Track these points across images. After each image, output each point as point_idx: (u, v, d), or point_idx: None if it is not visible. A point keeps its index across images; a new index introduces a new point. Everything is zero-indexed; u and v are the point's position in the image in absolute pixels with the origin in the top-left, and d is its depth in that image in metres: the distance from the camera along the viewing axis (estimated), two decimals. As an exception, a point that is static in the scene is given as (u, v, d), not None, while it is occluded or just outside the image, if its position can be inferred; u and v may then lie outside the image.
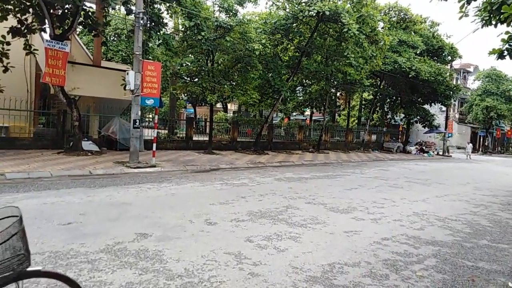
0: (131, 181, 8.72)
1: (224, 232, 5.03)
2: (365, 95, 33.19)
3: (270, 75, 18.67)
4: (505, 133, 49.68)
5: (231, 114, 36.27)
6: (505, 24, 10.05)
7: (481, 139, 45.80)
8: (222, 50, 16.60)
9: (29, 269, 1.89)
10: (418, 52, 28.01)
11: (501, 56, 10.73)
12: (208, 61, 17.36)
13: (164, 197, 7.12)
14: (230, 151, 19.26)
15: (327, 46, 20.60)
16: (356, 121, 35.61)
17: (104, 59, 19.46)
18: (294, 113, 39.06)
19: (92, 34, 13.54)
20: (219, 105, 37.97)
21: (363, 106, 34.62)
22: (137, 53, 11.28)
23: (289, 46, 20.91)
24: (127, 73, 11.16)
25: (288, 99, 24.89)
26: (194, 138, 19.09)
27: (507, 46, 10.58)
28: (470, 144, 34.46)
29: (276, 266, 3.89)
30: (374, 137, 34.80)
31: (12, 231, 1.78)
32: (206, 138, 18.56)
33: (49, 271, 2.16)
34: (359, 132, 31.72)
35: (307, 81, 25.56)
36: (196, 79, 18.03)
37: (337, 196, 8.43)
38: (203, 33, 14.13)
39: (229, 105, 42.37)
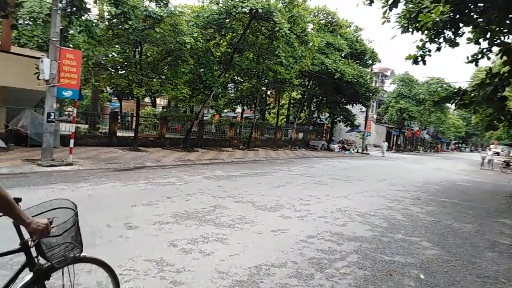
0: (42, 182, 7.83)
1: (146, 236, 4.69)
2: (294, 94, 34.27)
3: (202, 70, 18.26)
4: (415, 133, 55.13)
5: (160, 109, 34.96)
6: (420, 31, 10.95)
7: (395, 138, 50.18)
8: (151, 42, 15.78)
9: (82, 255, 2.21)
10: (343, 55, 29.64)
11: (415, 61, 11.55)
12: (136, 52, 16.41)
13: (80, 198, 6.48)
14: (157, 148, 18.48)
15: (259, 44, 20.77)
16: (285, 119, 36.66)
17: (16, 45, 17.37)
18: (226, 110, 38.95)
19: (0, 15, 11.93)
20: (147, 99, 36.35)
21: (291, 105, 35.74)
22: (54, 39, 10.16)
23: (221, 41, 20.67)
24: (41, 61, 9.99)
25: (220, 95, 24.65)
26: (119, 134, 17.95)
27: (421, 52, 11.51)
28: (386, 143, 37.51)
29: (201, 272, 3.70)
30: (301, 135, 36.13)
31: (73, 222, 2.07)
32: (132, 134, 17.57)
33: (95, 258, 2.42)
34: (288, 130, 32.69)
35: (239, 78, 25.57)
36: (123, 71, 16.93)
37: (266, 193, 8.47)
38: (130, 22, 13.26)
39: (158, 100, 40.80)
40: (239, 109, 37.55)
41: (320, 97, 33.51)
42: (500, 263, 4.82)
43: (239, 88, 26.97)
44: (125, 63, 16.14)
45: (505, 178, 19.52)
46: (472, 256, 5.03)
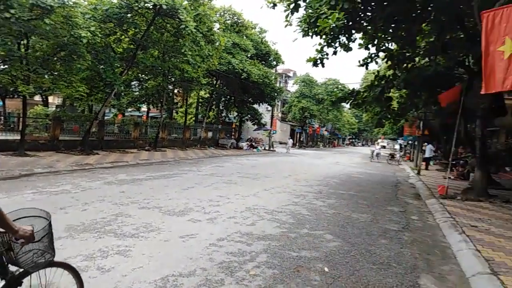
0: None
1: (32, 257, 4.06)
2: (202, 93, 33.96)
3: (102, 67, 16.85)
4: (315, 130, 59.21)
5: (54, 109, 31.41)
6: (319, 36, 11.61)
7: (298, 135, 53.26)
8: (40, 34, 13.95)
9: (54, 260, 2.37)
10: (249, 55, 30.28)
11: (315, 64, 12.23)
12: (21, 45, 14.37)
13: None
14: (50, 151, 16.52)
15: (165, 41, 19.98)
16: (194, 118, 36.12)
17: None
18: (130, 109, 36.78)
19: None
20: (37, 97, 32.37)
21: (200, 104, 35.35)
22: None
23: (123, 37, 19.36)
24: None
25: (123, 94, 23.13)
26: (1, 137, 15.63)
27: (320, 55, 12.25)
28: (290, 140, 39.55)
29: (99, 292, 3.32)
30: (210, 134, 35.97)
31: (48, 229, 2.26)
32: (18, 137, 15.39)
33: (62, 262, 2.57)
34: (197, 129, 32.26)
35: (143, 76, 24.30)
36: (5, 66, 14.67)
37: (174, 197, 8.13)
38: (12, 11, 11.52)
39: (50, 99, 36.64)
40: (144, 108, 35.84)
41: (228, 97, 33.80)
42: (391, 248, 5.33)
43: (144, 86, 25.64)
44: (7, 57, 14.01)
45: (390, 169, 22.09)
46: (368, 244, 5.47)
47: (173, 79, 24.20)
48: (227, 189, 9.83)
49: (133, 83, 27.98)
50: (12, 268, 2.17)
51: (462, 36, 11.27)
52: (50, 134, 18.32)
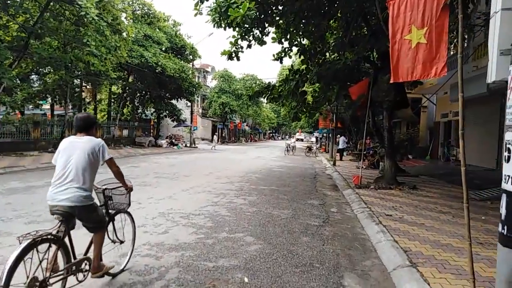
0: None
1: None
2: (114, 88, 31.49)
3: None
4: (237, 125, 59.38)
5: None
6: (232, 28, 11.20)
7: (220, 131, 52.84)
8: None
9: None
10: (163, 48, 28.82)
11: (230, 57, 11.86)
12: None
13: None
14: None
15: (64, 30, 17.85)
16: (106, 115, 33.39)
17: None
18: (31, 107, 32.71)
19: None
20: None
21: (113, 100, 32.77)
22: None
23: (10, 23, 16.78)
24: None
25: (19, 89, 20.17)
26: None
27: (234, 48, 11.88)
28: (215, 136, 38.98)
29: None
30: (126, 132, 33.66)
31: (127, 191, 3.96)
32: None
33: (128, 211, 4.21)
34: (110, 127, 29.87)
35: (42, 69, 21.53)
36: None
37: (73, 206, 7.03)
38: None
39: None
40: (48, 105, 32.11)
41: (144, 92, 31.90)
42: (313, 246, 5.11)
43: (43, 81, 22.76)
44: None
45: (308, 161, 22.81)
46: (290, 243, 5.19)
47: (79, 73, 21.87)
48: (139, 192, 8.89)
49: (32, 77, 24.80)
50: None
51: (366, 32, 11.80)
52: None
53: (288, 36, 12.39)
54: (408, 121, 25.11)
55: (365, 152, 15.42)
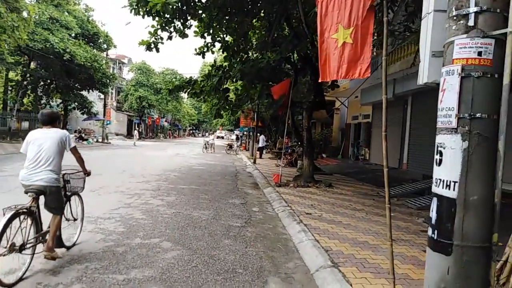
0: None
1: None
2: (11, 75, 27.63)
3: None
4: (155, 120, 57.00)
5: None
6: (151, 17, 10.49)
7: (136, 126, 50.13)
8: None
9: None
10: (73, 34, 26.21)
11: (149, 48, 11.18)
12: None
13: None
14: None
15: None
16: (1, 105, 29.18)
17: None
18: None
19: None
20: None
21: (10, 88, 28.76)
22: None
23: None
24: None
25: None
26: None
27: (153, 39, 11.17)
28: (136, 131, 36.74)
29: None
30: (26, 124, 29.92)
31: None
32: None
33: (79, 194, 4.90)
34: (5, 118, 26.22)
35: None
36: None
37: None
38: None
39: None
40: None
41: (49, 81, 28.63)
42: (235, 250, 4.86)
43: None
44: None
45: (229, 159, 22.68)
46: (211, 247, 4.87)
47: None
48: (37, 194, 7.76)
49: None
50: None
51: (288, 34, 12.01)
52: None
53: (211, 31, 12.07)
54: (322, 122, 26.53)
55: (283, 151, 15.77)
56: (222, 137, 78.98)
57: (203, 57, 13.41)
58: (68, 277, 3.65)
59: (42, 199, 3.99)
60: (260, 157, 22.20)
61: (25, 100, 29.82)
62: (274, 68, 12.34)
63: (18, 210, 3.57)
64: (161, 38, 11.15)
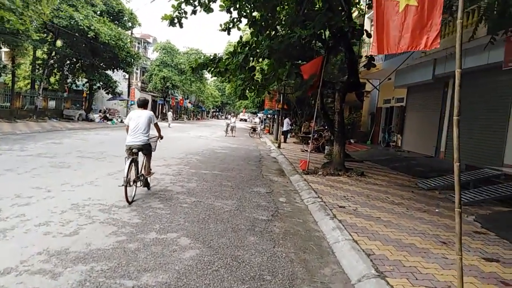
0: None
1: None
2: (39, 53, 27.69)
3: None
4: (179, 101, 56.89)
5: None
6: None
7: (160, 107, 50.15)
8: None
9: None
10: (97, 11, 25.84)
11: (172, 23, 10.61)
12: None
13: None
14: None
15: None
16: (30, 84, 29.47)
17: None
18: None
19: None
20: None
21: (37, 67, 28.95)
22: None
23: None
24: None
25: None
26: None
27: (177, 13, 10.54)
28: (170, 112, 36.62)
29: None
30: (53, 103, 30.23)
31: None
32: None
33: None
34: (33, 97, 26.43)
35: None
36: None
37: (-45, 195, 5.44)
38: None
39: None
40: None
41: (74, 60, 28.58)
42: (262, 250, 4.23)
43: None
44: None
45: (253, 143, 22.07)
46: (235, 246, 4.26)
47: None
48: (53, 176, 7.39)
49: None
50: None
51: (321, 7, 11.03)
52: None
53: (237, 5, 11.31)
54: (351, 105, 25.33)
55: (310, 135, 14.95)
56: (245, 120, 78.43)
57: (229, 34, 12.65)
58: (69, 281, 3.11)
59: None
60: (285, 141, 21.45)
61: (51, 79, 29.97)
62: (304, 45, 11.45)
63: (131, 159, 5.87)
64: (185, 13, 10.62)
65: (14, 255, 3.54)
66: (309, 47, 12.36)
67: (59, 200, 5.57)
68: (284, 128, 22.20)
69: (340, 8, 9.83)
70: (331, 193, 7.40)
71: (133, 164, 5.89)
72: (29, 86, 28.50)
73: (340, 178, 9.27)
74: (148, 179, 6.66)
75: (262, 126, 35.45)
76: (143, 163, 6.40)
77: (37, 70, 27.60)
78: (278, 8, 12.08)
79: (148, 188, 6.72)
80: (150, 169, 6.57)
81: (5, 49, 25.87)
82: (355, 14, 14.73)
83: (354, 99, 20.21)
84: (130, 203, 5.67)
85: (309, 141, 14.19)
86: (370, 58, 11.07)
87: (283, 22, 12.37)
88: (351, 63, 10.33)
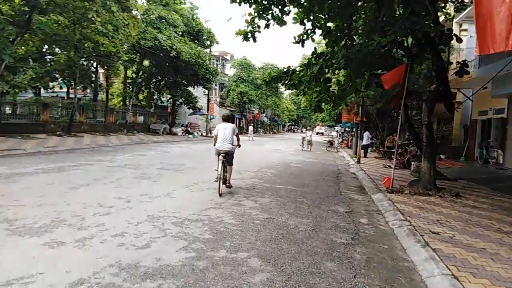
0: None
1: None
2: (129, 73, 30.49)
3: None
4: (255, 115, 57.97)
5: None
6: (248, 4, 9.90)
7: (237, 121, 51.55)
8: None
9: None
10: (179, 32, 27.57)
11: (246, 37, 10.73)
12: None
13: None
14: None
15: (73, 7, 16.75)
16: (122, 100, 32.51)
17: None
18: (55, 89, 32.36)
19: None
20: None
21: (128, 85, 31.88)
22: None
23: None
24: None
25: (24, 68, 19.30)
26: None
27: (250, 28, 10.59)
28: (251, 126, 37.78)
29: None
30: (141, 118, 32.84)
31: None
32: None
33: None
34: (124, 113, 29.03)
35: (47, 47, 20.64)
36: None
37: (49, 201, 5.85)
38: None
39: None
40: (63, 87, 31.46)
41: (159, 77, 30.85)
42: (341, 279, 3.71)
43: (50, 60, 21.83)
44: None
45: (330, 157, 21.24)
46: (310, 273, 3.81)
47: (93, 53, 20.84)
48: (134, 186, 7.70)
49: (47, 57, 24.05)
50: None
51: (401, 13, 10.17)
52: None
53: (311, 17, 11.04)
54: (439, 118, 23.11)
55: (393, 150, 13.81)
56: (322, 133, 76.93)
57: (302, 46, 12.39)
58: (134, 300, 2.98)
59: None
60: (365, 156, 20.26)
61: (140, 96, 32.66)
62: (384, 53, 10.64)
63: (222, 161, 7.36)
64: (258, 27, 10.69)
65: (88, 265, 3.55)
66: (389, 55, 11.49)
67: (136, 211, 5.68)
68: (364, 142, 20.99)
69: (424, 13, 8.91)
70: (421, 215, 6.52)
71: (222, 164, 7.37)
72: (121, 103, 31.37)
73: (431, 199, 8.21)
74: (227, 181, 7.87)
75: (340, 140, 34.18)
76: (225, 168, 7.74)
77: (127, 88, 30.34)
78: (354, 17, 11.52)
79: (227, 186, 7.88)
80: (230, 181, 8.01)
81: (101, 70, 28.88)
82: (441, 19, 13.43)
83: (443, 111, 18.36)
84: (220, 195, 7.27)
85: (392, 156, 13.09)
86: (463, 64, 9.84)
87: (360, 31, 11.75)
88: (440, 70, 9.28)
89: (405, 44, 10.73)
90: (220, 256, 4.07)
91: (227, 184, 7.76)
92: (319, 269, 3.95)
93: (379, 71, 11.29)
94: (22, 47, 17.88)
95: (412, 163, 13.31)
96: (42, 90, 29.62)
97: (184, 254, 4.05)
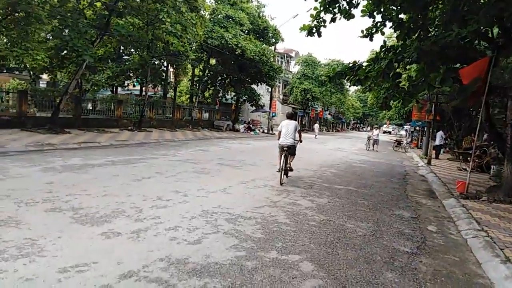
0: None
1: None
2: (196, 71, 31.70)
3: (68, 32, 14.72)
4: (318, 113, 56.93)
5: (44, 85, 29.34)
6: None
7: (300, 119, 51.00)
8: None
9: None
10: (245, 30, 27.88)
11: (310, 32, 10.37)
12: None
13: None
14: (15, 129, 14.90)
15: (147, 9, 17.75)
16: (189, 98, 33.90)
17: None
18: (130, 87, 34.98)
19: None
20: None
21: (195, 83, 33.16)
22: None
23: (96, 2, 17.16)
24: None
25: (102, 68, 20.96)
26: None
27: (315, 23, 10.24)
28: (317, 124, 37.54)
29: None
30: (206, 115, 33.91)
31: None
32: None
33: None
34: (191, 109, 30.22)
35: (123, 48, 22.14)
36: None
37: (112, 192, 6.16)
38: None
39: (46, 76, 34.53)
40: (137, 85, 33.76)
41: (225, 75, 31.58)
42: (403, 294, 3.34)
43: (124, 60, 23.41)
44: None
45: (397, 157, 20.01)
46: (367, 283, 3.49)
47: (163, 53, 22.00)
48: (193, 180, 7.86)
49: (124, 57, 25.96)
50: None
51: (484, 2, 9.04)
52: (17, 110, 16.48)
53: (381, 9, 10.33)
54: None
55: (469, 151, 12.53)
56: (389, 132, 73.27)
57: (371, 40, 11.67)
58: (179, 296, 2.94)
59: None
60: (437, 157, 18.74)
61: (206, 94, 33.75)
62: (464, 45, 9.59)
63: (284, 154, 8.19)
64: (324, 21, 10.21)
65: (139, 258, 3.61)
66: (470, 47, 10.36)
67: (192, 206, 5.75)
68: (437, 142, 19.41)
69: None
70: (501, 226, 5.75)
71: (284, 157, 8.14)
72: (188, 100, 32.70)
73: (514, 208, 7.25)
74: (288, 172, 8.72)
75: (409, 140, 32.13)
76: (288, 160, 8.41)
77: (194, 86, 31.52)
78: (430, 7, 10.56)
79: (287, 176, 8.80)
80: (291, 165, 8.66)
81: (170, 69, 30.34)
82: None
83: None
84: (281, 184, 8.13)
85: (469, 158, 11.87)
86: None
87: (436, 22, 10.75)
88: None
89: (490, 35, 9.62)
90: (270, 257, 3.91)
91: (288, 167, 8.49)
92: (378, 279, 3.60)
93: (457, 65, 10.28)
94: (102, 48, 19.36)
95: (492, 166, 11.95)
96: (119, 88, 32.06)
97: (233, 253, 3.96)
